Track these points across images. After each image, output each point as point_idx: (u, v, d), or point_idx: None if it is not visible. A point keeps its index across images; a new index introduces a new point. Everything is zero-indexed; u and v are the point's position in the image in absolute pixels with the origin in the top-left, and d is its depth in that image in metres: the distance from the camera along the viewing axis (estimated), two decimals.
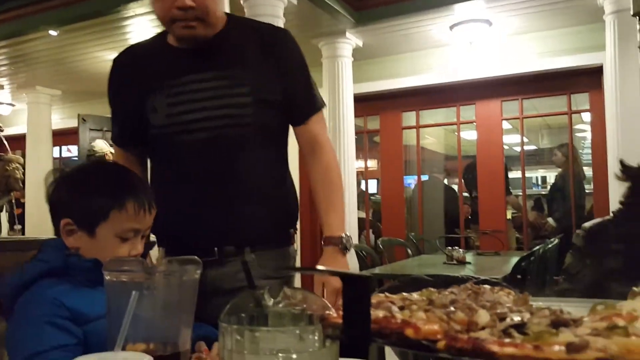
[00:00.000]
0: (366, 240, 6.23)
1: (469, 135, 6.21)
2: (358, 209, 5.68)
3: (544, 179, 9.76)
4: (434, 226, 6.13)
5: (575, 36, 4.91)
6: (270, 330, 0.74)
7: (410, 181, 6.49)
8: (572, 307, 0.83)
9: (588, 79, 4.95)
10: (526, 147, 9.70)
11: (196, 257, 0.97)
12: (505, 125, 5.90)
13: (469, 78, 5.28)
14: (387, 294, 0.87)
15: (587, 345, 0.44)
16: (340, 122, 5.00)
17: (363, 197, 6.40)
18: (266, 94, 1.47)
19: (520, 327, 0.53)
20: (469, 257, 4.18)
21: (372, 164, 6.84)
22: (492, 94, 5.43)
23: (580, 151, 6.46)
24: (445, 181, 6.47)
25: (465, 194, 6.15)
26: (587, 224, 1.27)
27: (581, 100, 5.32)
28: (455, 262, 3.86)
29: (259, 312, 0.83)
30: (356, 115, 5.41)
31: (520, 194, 5.77)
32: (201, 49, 1.49)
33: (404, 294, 0.89)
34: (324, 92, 5.00)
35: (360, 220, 5.87)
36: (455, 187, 6.21)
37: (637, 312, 0.66)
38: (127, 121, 1.61)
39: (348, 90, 5.13)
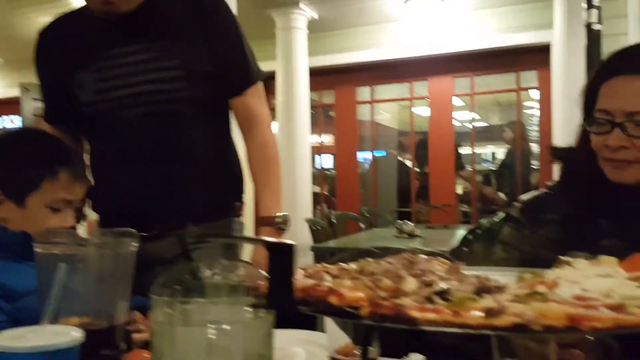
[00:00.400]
0: (321, 214, 6.26)
1: (423, 111, 6.27)
2: (313, 183, 5.69)
3: (494, 154, 10.00)
4: (387, 201, 6.21)
5: (525, 14, 4.98)
6: (201, 301, 0.72)
7: (366, 157, 6.54)
8: (505, 276, 0.85)
9: (537, 56, 5.05)
10: (477, 124, 9.91)
11: (132, 229, 0.95)
12: (458, 102, 5.99)
13: (421, 54, 5.30)
14: (324, 264, 0.87)
15: (504, 311, 0.45)
16: (294, 95, 4.96)
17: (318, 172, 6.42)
18: (198, 65, 1.43)
19: (444, 294, 0.53)
20: (419, 230, 4.27)
21: (328, 138, 6.83)
22: (444, 70, 5.48)
23: (529, 128, 6.63)
24: (399, 157, 6.56)
25: (417, 169, 6.23)
26: (523, 196, 1.29)
27: (531, 77, 5.44)
28: (405, 235, 3.93)
29: (195, 284, 0.81)
30: (311, 89, 5.37)
31: (470, 169, 5.90)
32: (128, 19, 1.42)
33: (342, 264, 0.90)
34: (277, 65, 4.93)
35: (315, 194, 5.89)
36: (408, 163, 6.30)
37: (560, 280, 0.68)
38: (55, 97, 1.55)
39: (302, 62, 5.07)
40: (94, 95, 1.44)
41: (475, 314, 0.45)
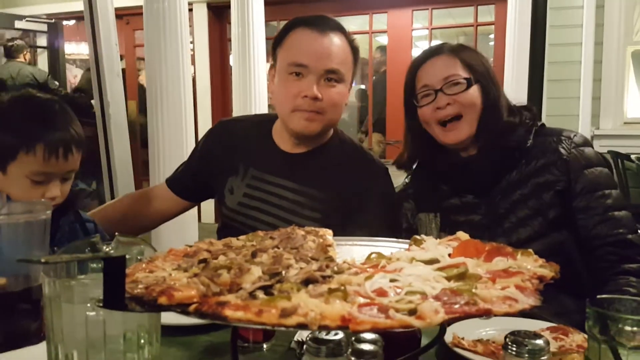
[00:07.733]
0: None
1: (385, 40, 6.19)
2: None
3: None
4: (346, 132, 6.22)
5: None
6: (85, 279, 0.81)
7: None
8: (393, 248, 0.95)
9: None
10: None
11: (44, 200, 1.02)
12: (423, 32, 5.93)
13: None
14: (212, 240, 0.96)
15: (294, 311, 0.54)
16: (249, 26, 4.82)
17: None
18: (335, 223, 1.46)
19: (270, 288, 0.63)
20: None
21: None
22: (404, 2, 5.41)
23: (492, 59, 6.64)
24: (362, 87, 6.54)
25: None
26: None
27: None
28: None
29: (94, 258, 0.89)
30: (270, 20, 5.24)
31: None
32: (298, 157, 1.53)
33: (232, 238, 0.98)
34: None
35: None
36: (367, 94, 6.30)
37: (392, 262, 0.78)
38: (195, 181, 1.69)
39: None
40: (237, 205, 1.57)
41: (272, 313, 0.55)
